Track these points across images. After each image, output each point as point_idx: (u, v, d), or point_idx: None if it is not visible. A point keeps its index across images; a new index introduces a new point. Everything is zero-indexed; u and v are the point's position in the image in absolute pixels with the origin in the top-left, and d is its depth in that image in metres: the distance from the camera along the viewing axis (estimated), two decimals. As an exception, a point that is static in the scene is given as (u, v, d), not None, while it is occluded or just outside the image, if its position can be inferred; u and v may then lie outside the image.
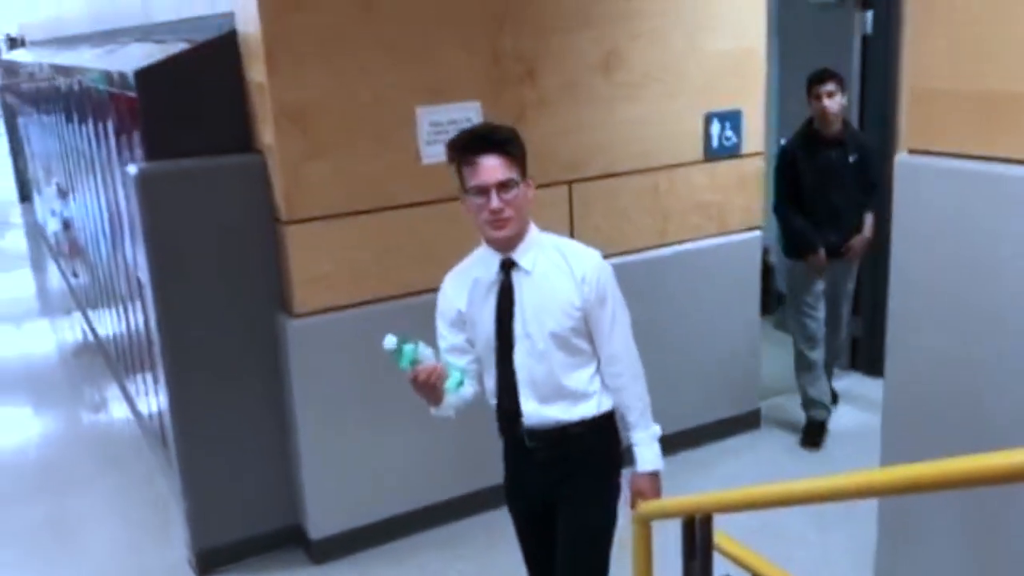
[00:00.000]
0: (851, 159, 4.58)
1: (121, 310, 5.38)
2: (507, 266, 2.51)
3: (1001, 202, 2.39)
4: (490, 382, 2.60)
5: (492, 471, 2.86)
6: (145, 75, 3.63)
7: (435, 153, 3.79)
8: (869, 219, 4.67)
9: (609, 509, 2.63)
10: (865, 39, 5.23)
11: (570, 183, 4.15)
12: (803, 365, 4.82)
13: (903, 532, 2.85)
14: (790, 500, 1.83)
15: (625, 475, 2.64)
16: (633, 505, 2.60)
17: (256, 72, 3.58)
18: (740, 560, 2.20)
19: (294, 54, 3.51)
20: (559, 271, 2.49)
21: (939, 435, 2.64)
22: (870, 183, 4.63)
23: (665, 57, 4.28)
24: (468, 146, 2.39)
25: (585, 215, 4.21)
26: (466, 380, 2.53)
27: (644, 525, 2.31)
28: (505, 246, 2.48)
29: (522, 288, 2.50)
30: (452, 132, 3.75)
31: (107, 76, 4.38)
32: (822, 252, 4.60)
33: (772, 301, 5.91)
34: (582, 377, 2.54)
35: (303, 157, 3.60)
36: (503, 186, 2.37)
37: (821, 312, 4.80)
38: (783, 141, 5.73)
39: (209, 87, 3.68)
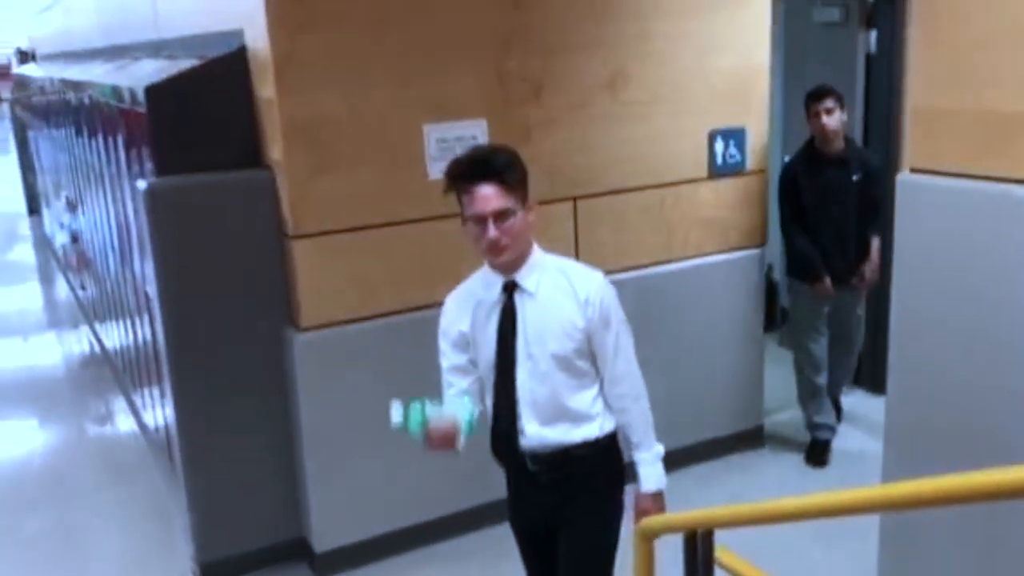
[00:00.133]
0: (854, 178, 4.53)
1: (128, 323, 5.41)
2: (510, 288, 2.50)
3: (1003, 221, 2.41)
4: (491, 402, 2.59)
5: (497, 486, 2.88)
6: (155, 91, 3.68)
7: (442, 170, 3.81)
8: (875, 243, 4.62)
9: (612, 530, 2.63)
10: (869, 58, 5.26)
11: (575, 199, 4.18)
12: (807, 391, 4.82)
13: (905, 549, 2.86)
14: (792, 516, 1.85)
15: (627, 491, 2.65)
16: (637, 524, 2.59)
17: (265, 88, 3.62)
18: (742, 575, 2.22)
19: (303, 71, 3.55)
20: (562, 292, 2.48)
21: (941, 453, 2.65)
22: (874, 203, 4.57)
23: (671, 76, 4.32)
24: (464, 175, 2.38)
25: (590, 231, 4.24)
26: (472, 402, 2.48)
27: (646, 540, 2.32)
28: (508, 268, 2.48)
29: (525, 309, 2.49)
30: (459, 149, 3.82)
31: (118, 91, 4.43)
32: (827, 281, 4.55)
33: (776, 318, 5.93)
34: (585, 399, 2.53)
35: (311, 173, 3.63)
36: (500, 215, 2.36)
37: (826, 337, 4.77)
38: (787, 158, 5.77)
39: (218, 103, 3.73)
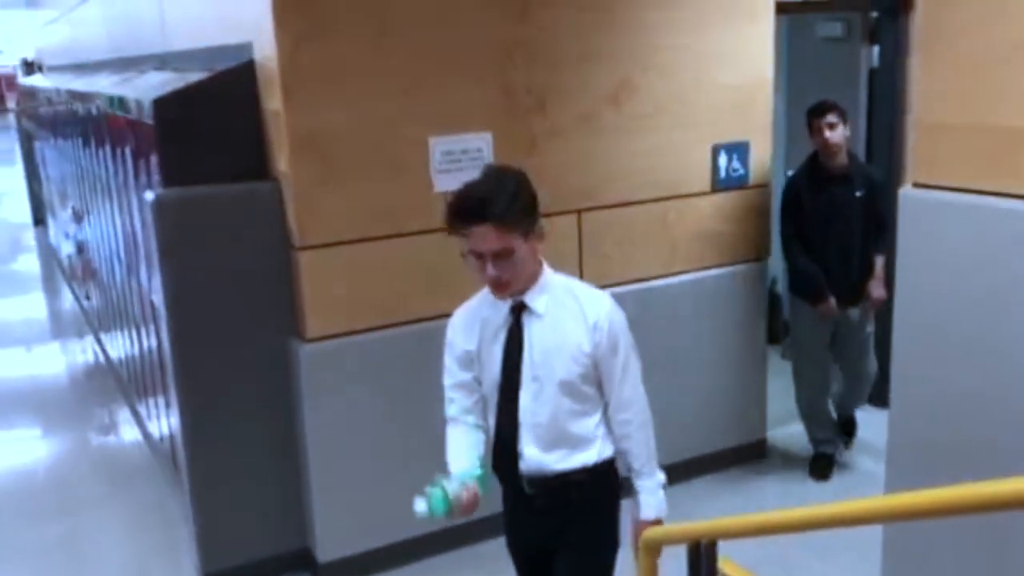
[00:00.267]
0: (858, 194, 4.47)
1: (134, 333, 5.43)
2: (518, 308, 2.46)
3: (1005, 236, 2.43)
4: (493, 422, 2.57)
5: (499, 499, 2.88)
6: (163, 103, 3.71)
7: (447, 182, 3.85)
8: (879, 260, 4.52)
9: (609, 556, 2.61)
10: (872, 73, 5.29)
11: (580, 212, 4.20)
12: (810, 412, 4.80)
13: (907, 562, 2.87)
14: (795, 527, 1.86)
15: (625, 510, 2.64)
16: (635, 551, 2.56)
17: (272, 101, 3.65)
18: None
19: (310, 84, 3.58)
20: (571, 315, 2.44)
21: (944, 467, 2.66)
22: (879, 219, 4.49)
23: (675, 90, 4.34)
24: (459, 218, 2.30)
25: (595, 243, 4.26)
26: (479, 456, 2.49)
27: (650, 551, 2.33)
28: (515, 293, 2.44)
29: (532, 331, 2.45)
30: (464, 161, 3.87)
31: (126, 103, 4.46)
32: (832, 302, 4.49)
33: (779, 331, 5.94)
34: (587, 424, 2.50)
35: (317, 184, 3.66)
36: (498, 255, 2.30)
37: (829, 358, 4.70)
38: (790, 173, 5.80)
39: (226, 115, 3.76)
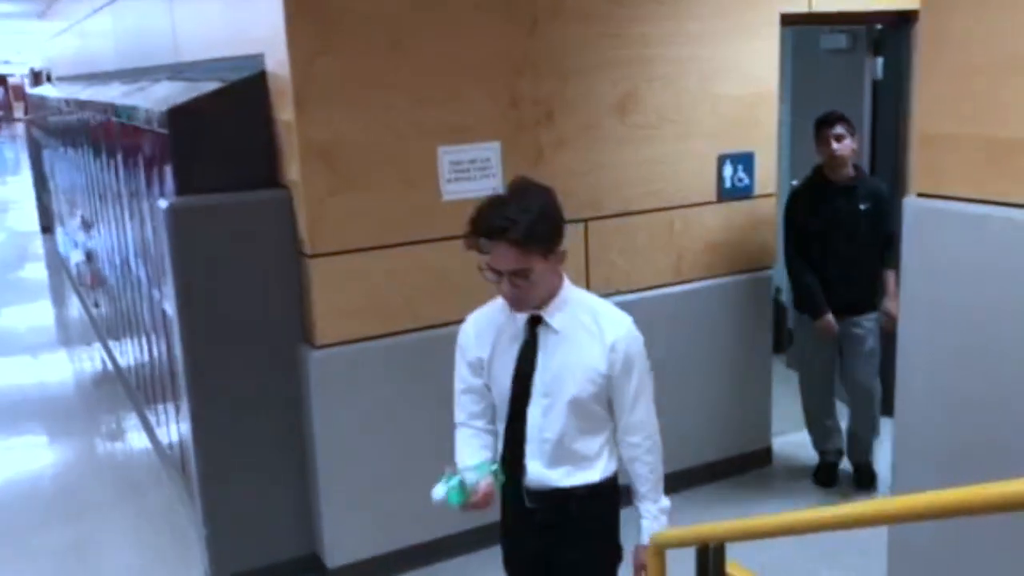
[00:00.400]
0: (862, 207, 4.42)
1: (143, 341, 5.48)
2: (534, 321, 2.43)
3: (1008, 244, 2.46)
4: (501, 431, 2.56)
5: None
6: (177, 113, 3.76)
7: (456, 191, 3.91)
8: (891, 276, 4.40)
9: (611, 571, 2.60)
10: (876, 84, 5.34)
11: (587, 221, 4.25)
12: (815, 423, 4.81)
13: (913, 567, 2.89)
14: (802, 529, 1.89)
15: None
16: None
17: (284, 111, 3.71)
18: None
19: (321, 94, 3.63)
20: (588, 334, 2.41)
21: (950, 474, 2.68)
22: (886, 234, 4.37)
23: (680, 100, 4.40)
24: (480, 233, 2.28)
25: (601, 252, 4.31)
26: (490, 458, 2.49)
27: (658, 553, 2.36)
28: (532, 308, 2.41)
29: (547, 346, 2.42)
30: (472, 171, 3.92)
31: (138, 112, 4.52)
32: (829, 318, 4.45)
33: (784, 340, 5.97)
34: (593, 443, 2.47)
35: (328, 193, 3.71)
36: (517, 273, 2.29)
37: (832, 373, 4.67)
38: (795, 183, 5.84)
39: (238, 125, 3.81)
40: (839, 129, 4.38)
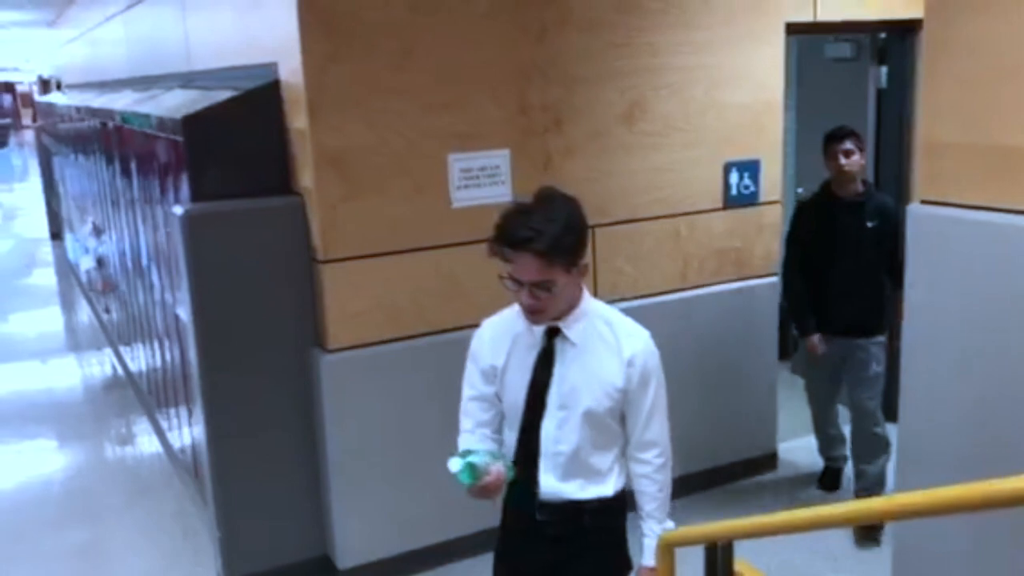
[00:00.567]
0: (869, 224, 4.29)
1: (155, 345, 5.54)
2: (552, 332, 2.40)
3: (1011, 250, 2.50)
4: (510, 441, 2.50)
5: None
6: (192, 120, 3.82)
7: (465, 197, 3.97)
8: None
9: None
10: (880, 93, 5.38)
11: (594, 227, 4.29)
12: (820, 430, 4.80)
13: (918, 569, 2.91)
14: (807, 526, 1.94)
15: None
16: None
17: (298, 119, 3.77)
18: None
19: (334, 102, 3.69)
20: (606, 347, 2.39)
21: (954, 480, 2.68)
22: (892, 254, 4.02)
23: (687, 108, 4.45)
24: (505, 243, 2.25)
25: (609, 258, 4.36)
26: (490, 443, 2.47)
27: (667, 551, 2.40)
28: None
29: (565, 358, 2.39)
30: (482, 178, 3.98)
31: (152, 120, 4.58)
32: (814, 340, 4.41)
33: (789, 345, 6.01)
34: (607, 458, 2.45)
35: (340, 199, 3.77)
36: (537, 285, 2.25)
37: (837, 385, 4.59)
38: (800, 190, 5.89)
39: (252, 132, 3.88)
40: (848, 144, 4.29)
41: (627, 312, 2.58)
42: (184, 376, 4.57)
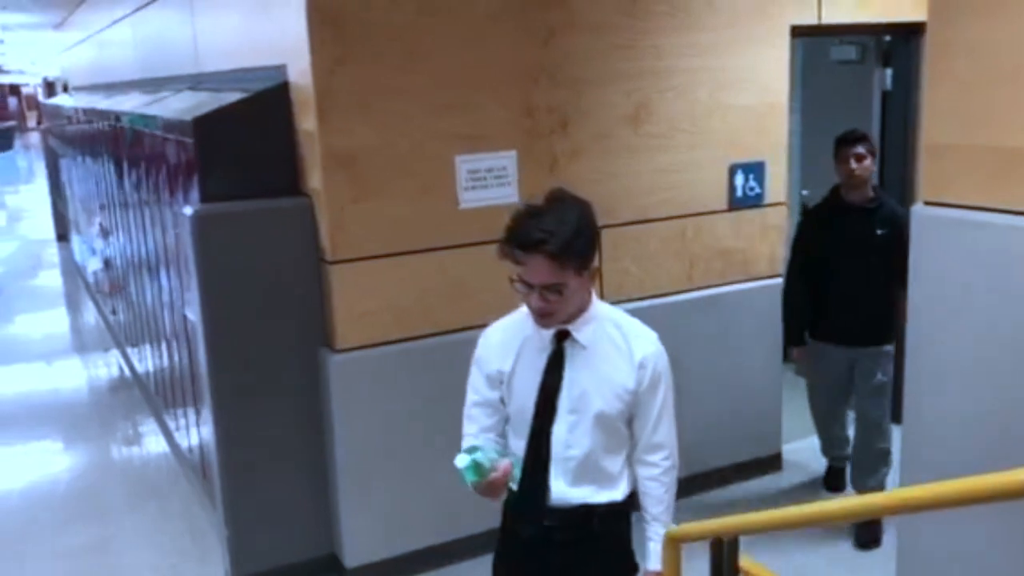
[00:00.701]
0: (879, 232, 4.17)
1: (163, 346, 5.57)
2: (561, 336, 2.37)
3: (1013, 251, 2.52)
4: (516, 448, 2.47)
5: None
6: (202, 122, 3.86)
7: (472, 199, 4.00)
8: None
9: None
10: (885, 95, 5.40)
11: (601, 228, 4.27)
12: (821, 432, 4.78)
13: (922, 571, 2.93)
14: (811, 521, 1.96)
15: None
16: None
17: (306, 121, 3.80)
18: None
19: (342, 105, 3.72)
20: (616, 349, 2.38)
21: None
22: (901, 263, 3.74)
23: (692, 110, 4.48)
24: (517, 245, 2.22)
25: (615, 259, 4.38)
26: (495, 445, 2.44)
27: (673, 546, 2.42)
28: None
29: (575, 361, 2.37)
30: (489, 179, 4.00)
31: (161, 121, 4.62)
32: (796, 352, 4.45)
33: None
34: (617, 461, 2.44)
35: (348, 201, 3.80)
36: (548, 288, 2.23)
37: (841, 388, 4.49)
38: (805, 192, 5.91)
39: (261, 134, 3.91)
40: (860, 149, 4.18)
41: (633, 312, 2.58)
42: (192, 376, 4.61)
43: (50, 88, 24.46)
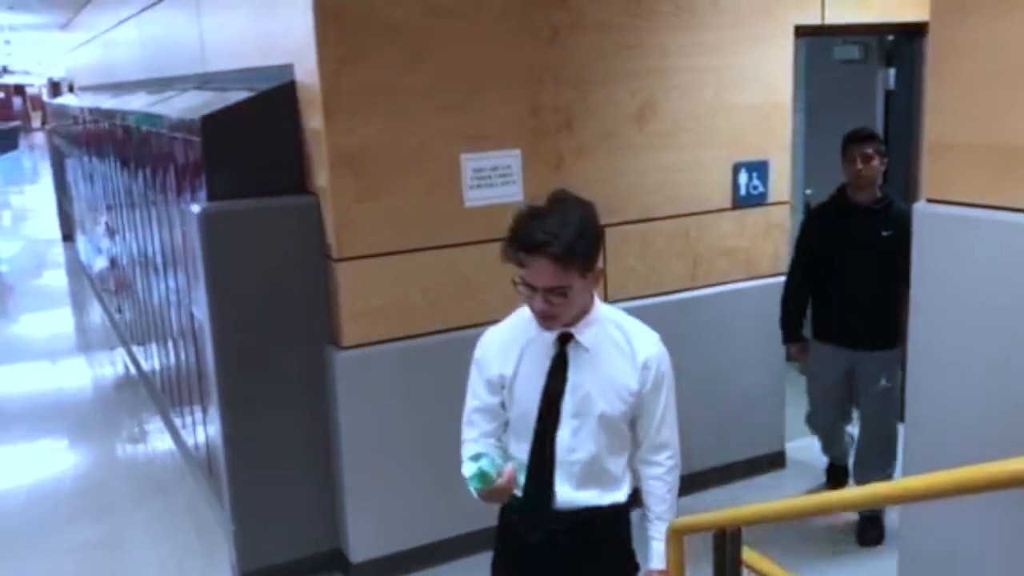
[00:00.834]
0: (884, 233, 4.07)
1: (169, 344, 5.60)
2: (564, 339, 2.35)
3: (1015, 248, 2.54)
4: (517, 452, 2.45)
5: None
6: (210, 120, 3.89)
7: (478, 197, 4.03)
8: None
9: None
10: (888, 94, 5.43)
11: (605, 227, 4.28)
12: (818, 432, 4.72)
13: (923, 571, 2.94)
14: (812, 511, 1.99)
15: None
16: None
17: (313, 120, 3.83)
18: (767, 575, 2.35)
19: (348, 104, 3.75)
20: (619, 351, 2.37)
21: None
22: (907, 264, 3.64)
23: (697, 109, 4.50)
24: (520, 247, 2.19)
25: (620, 257, 4.41)
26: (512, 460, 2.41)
27: (677, 538, 2.44)
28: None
29: (578, 364, 2.35)
30: (494, 178, 4.03)
31: (169, 121, 4.65)
32: (792, 348, 4.45)
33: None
34: (620, 463, 2.44)
35: (354, 199, 3.83)
36: (552, 291, 2.21)
37: (843, 390, 4.42)
38: (809, 191, 5.93)
39: (268, 133, 3.94)
40: (868, 149, 4.09)
41: (637, 310, 2.59)
42: (199, 374, 4.63)
43: (55, 88, 24.54)
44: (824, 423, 4.63)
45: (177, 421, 5.72)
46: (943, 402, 2.78)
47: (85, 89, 12.28)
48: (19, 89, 42.58)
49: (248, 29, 4.64)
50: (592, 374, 2.34)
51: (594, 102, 4.26)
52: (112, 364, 7.98)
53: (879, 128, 5.40)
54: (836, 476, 4.84)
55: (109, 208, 7.80)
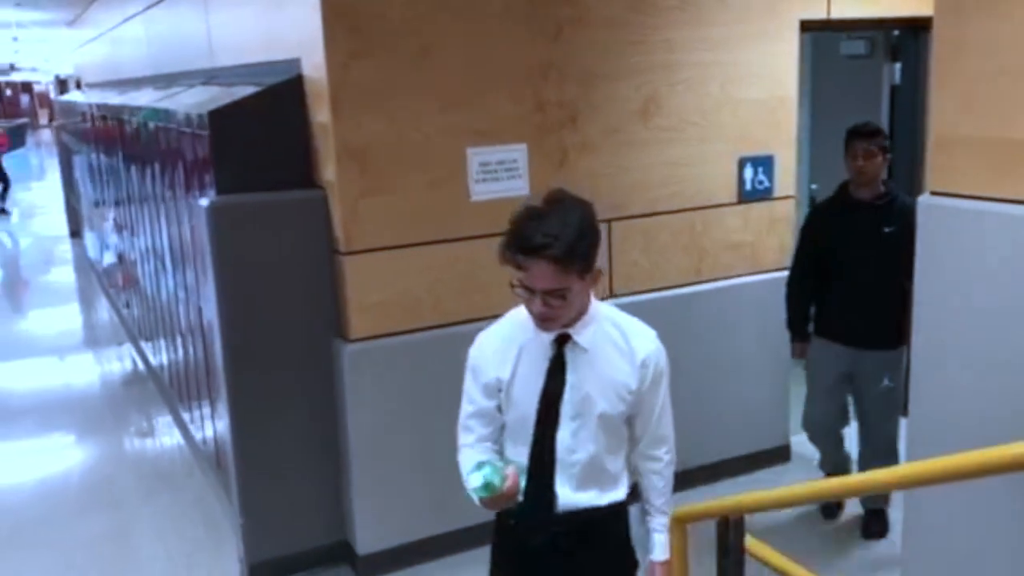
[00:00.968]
0: (887, 230, 4.01)
1: (177, 339, 5.63)
2: (562, 340, 2.33)
3: (1019, 240, 2.55)
4: (515, 455, 2.42)
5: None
6: (218, 115, 3.91)
7: (483, 191, 4.05)
8: None
9: None
10: (894, 89, 5.43)
11: (610, 221, 4.37)
12: (813, 433, 4.51)
13: (926, 564, 2.95)
14: (815, 497, 2.00)
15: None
16: None
17: (320, 114, 3.85)
18: (770, 562, 2.36)
19: (356, 98, 3.77)
20: (617, 350, 2.35)
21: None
22: (910, 259, 3.54)
23: (702, 104, 4.52)
24: (519, 250, 2.15)
25: (624, 252, 4.43)
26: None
27: (680, 526, 2.46)
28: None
29: (576, 365, 2.33)
30: (500, 172, 4.05)
31: (177, 116, 4.67)
32: (796, 347, 4.39)
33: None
34: (618, 461, 2.44)
35: (361, 193, 3.85)
36: (551, 293, 2.18)
37: (843, 393, 4.33)
38: (814, 186, 5.94)
39: (276, 127, 3.96)
40: (871, 146, 4.04)
41: (642, 305, 2.64)
42: (207, 368, 4.66)
43: (62, 85, 24.61)
44: (820, 422, 4.43)
45: (185, 416, 5.76)
46: (947, 396, 2.78)
47: (92, 86, 12.32)
48: (26, 86, 42.70)
49: (255, 24, 4.67)
50: (591, 374, 2.33)
51: (599, 97, 4.27)
52: (120, 359, 8.02)
53: (884, 123, 5.40)
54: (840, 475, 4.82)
55: (117, 204, 7.84)
